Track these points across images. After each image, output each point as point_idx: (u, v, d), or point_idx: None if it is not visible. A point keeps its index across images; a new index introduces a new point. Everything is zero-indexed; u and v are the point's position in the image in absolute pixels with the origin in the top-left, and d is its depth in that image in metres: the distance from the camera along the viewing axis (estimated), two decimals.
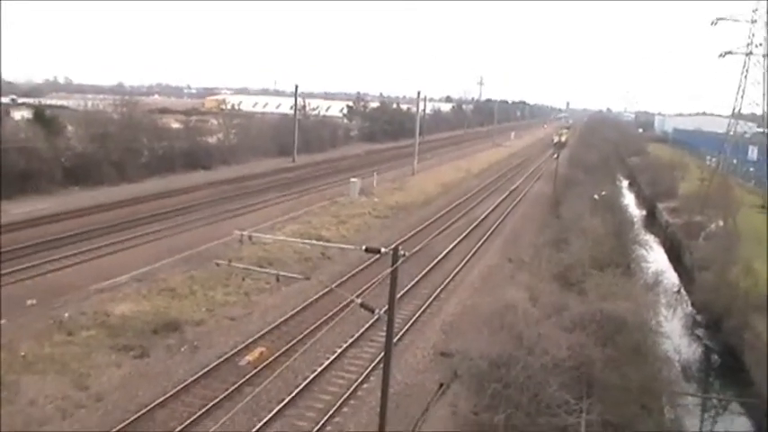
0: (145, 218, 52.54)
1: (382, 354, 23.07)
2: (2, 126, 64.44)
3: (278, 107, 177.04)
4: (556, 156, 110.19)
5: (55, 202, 56.27)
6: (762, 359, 35.07)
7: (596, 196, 63.19)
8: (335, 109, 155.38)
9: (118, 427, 22.74)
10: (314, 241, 44.69)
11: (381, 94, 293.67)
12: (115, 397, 25.32)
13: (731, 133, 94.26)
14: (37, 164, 59.57)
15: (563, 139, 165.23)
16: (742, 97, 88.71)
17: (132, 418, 23.42)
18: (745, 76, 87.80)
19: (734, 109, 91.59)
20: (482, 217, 65.36)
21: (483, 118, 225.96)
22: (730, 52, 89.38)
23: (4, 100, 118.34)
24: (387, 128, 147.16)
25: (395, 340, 25.43)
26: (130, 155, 72.44)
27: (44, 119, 70.06)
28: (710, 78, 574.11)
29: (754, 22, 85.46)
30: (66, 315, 31.63)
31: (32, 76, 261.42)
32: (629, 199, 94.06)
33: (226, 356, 29.25)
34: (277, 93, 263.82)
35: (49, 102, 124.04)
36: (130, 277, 37.91)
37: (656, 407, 27.34)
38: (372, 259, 42.52)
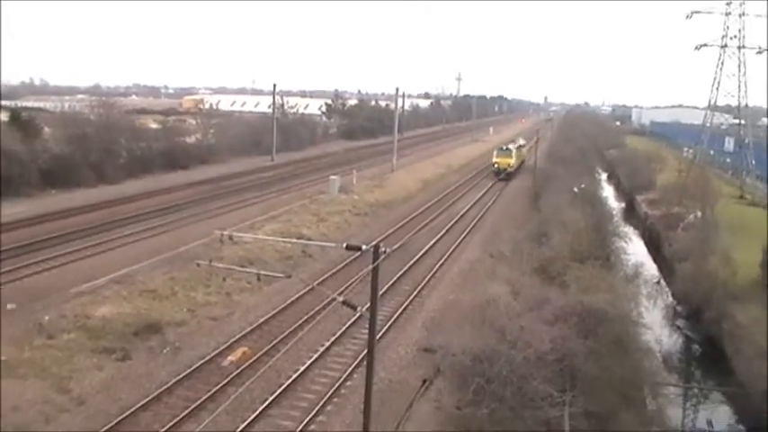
0: (124, 219, 52.20)
1: (365, 351, 23.08)
2: None
3: (256, 106, 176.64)
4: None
5: (32, 205, 55.72)
6: (742, 348, 35.39)
7: (575, 189, 63.51)
8: (314, 107, 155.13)
9: (101, 431, 22.62)
10: (294, 240, 44.59)
11: (360, 91, 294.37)
12: (97, 400, 25.18)
13: (708, 125, 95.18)
14: (13, 167, 58.87)
15: (511, 161, 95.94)
16: (717, 89, 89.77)
17: (115, 422, 23.27)
18: (721, 69, 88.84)
19: (710, 101, 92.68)
20: (462, 212, 65.48)
21: (461, 113, 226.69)
22: (705, 45, 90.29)
23: None
24: (365, 125, 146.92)
25: (377, 337, 25.42)
26: (108, 156, 71.92)
27: (20, 121, 69.63)
28: (686, 71, 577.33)
29: (728, 14, 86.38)
30: (47, 318, 31.38)
31: (8, 78, 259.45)
32: (607, 191, 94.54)
33: (208, 357, 29.15)
34: (255, 92, 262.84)
35: (25, 104, 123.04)
36: (110, 279, 37.62)
37: (639, 397, 27.55)
38: (353, 257, 42.51)
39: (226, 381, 26.90)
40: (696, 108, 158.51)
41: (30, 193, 60.08)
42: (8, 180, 57.67)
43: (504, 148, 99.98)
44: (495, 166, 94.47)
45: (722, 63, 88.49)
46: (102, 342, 29.57)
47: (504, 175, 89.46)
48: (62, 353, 28.34)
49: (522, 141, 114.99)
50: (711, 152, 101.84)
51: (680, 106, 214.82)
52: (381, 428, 23.48)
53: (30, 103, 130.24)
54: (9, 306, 32.73)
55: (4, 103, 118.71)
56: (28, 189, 60.37)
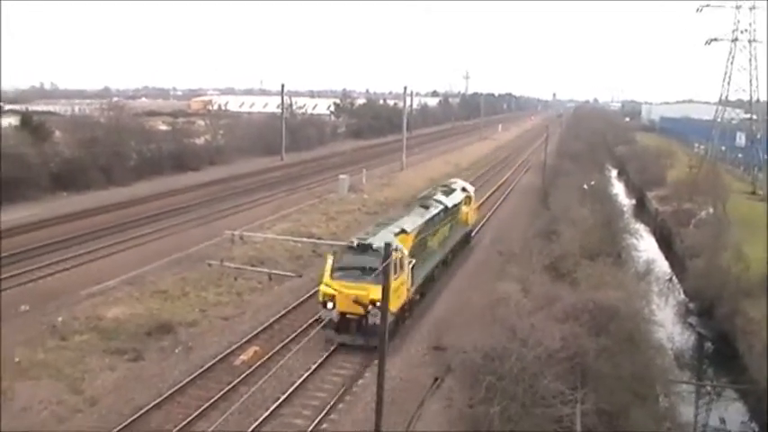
0: (134, 221, 52.38)
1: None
2: None
3: (265, 106, 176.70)
4: None
5: (43, 208, 56.05)
6: (754, 345, 35.26)
7: (585, 186, 63.35)
8: (322, 107, 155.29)
9: (113, 431, 22.71)
10: (304, 239, 44.77)
11: (368, 90, 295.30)
12: (110, 400, 25.25)
13: (718, 120, 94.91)
14: (24, 170, 59.24)
15: (377, 294, 24.89)
16: (728, 84, 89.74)
17: (128, 422, 23.38)
18: (731, 63, 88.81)
19: (721, 96, 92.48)
20: None
21: (469, 111, 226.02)
22: (716, 39, 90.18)
23: None
24: (374, 124, 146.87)
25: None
26: (118, 159, 72.30)
27: (31, 125, 69.93)
28: (697, 66, 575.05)
29: (738, 8, 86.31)
30: (60, 320, 31.55)
31: (18, 82, 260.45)
32: (618, 188, 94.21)
33: (220, 356, 29.22)
34: (263, 92, 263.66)
35: (35, 108, 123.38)
36: (122, 281, 37.78)
37: (651, 395, 27.45)
38: None
39: (238, 380, 26.99)
40: (707, 103, 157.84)
41: (40, 196, 60.44)
42: (19, 184, 57.98)
43: (357, 243, 31.57)
44: (329, 307, 30.24)
45: (733, 57, 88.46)
46: (114, 343, 29.70)
47: (361, 336, 30.26)
48: (75, 354, 28.47)
49: (461, 191, 50.13)
50: (723, 148, 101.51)
51: (690, 101, 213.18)
52: (393, 426, 23.51)
53: (40, 107, 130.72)
54: (22, 308, 32.96)
55: (14, 107, 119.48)
56: (39, 192, 60.71)
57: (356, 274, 30.01)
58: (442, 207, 42.27)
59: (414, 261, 33.13)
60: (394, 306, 29.14)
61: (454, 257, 45.97)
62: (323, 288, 30.49)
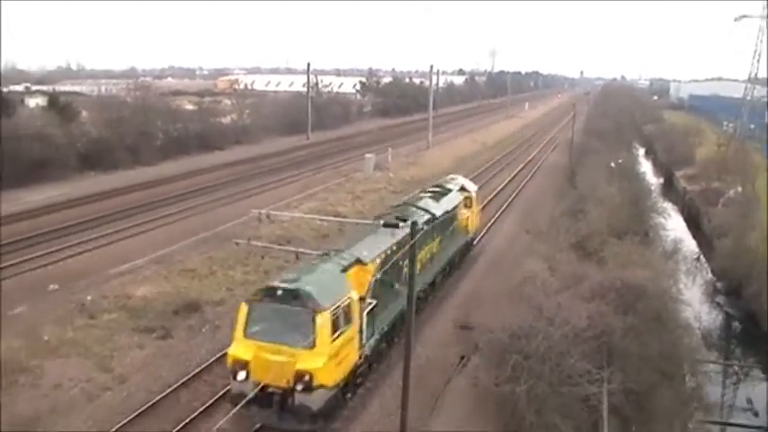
0: (161, 200, 52.64)
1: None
2: (17, 114, 64.67)
3: (291, 85, 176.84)
4: None
5: (71, 187, 56.47)
6: None
7: (613, 165, 62.93)
8: (348, 85, 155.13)
9: (143, 408, 22.95)
10: (331, 217, 44.72)
11: (394, 69, 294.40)
12: (139, 378, 25.50)
13: (748, 98, 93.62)
14: (52, 150, 59.76)
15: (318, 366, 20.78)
16: (758, 61, 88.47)
17: (156, 399, 23.64)
18: (761, 40, 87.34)
19: (750, 73, 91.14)
20: (498, 189, 65.08)
21: (496, 90, 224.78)
22: (746, 16, 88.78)
23: (19, 88, 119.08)
24: (400, 103, 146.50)
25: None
26: (145, 138, 72.69)
27: (58, 106, 70.42)
28: (726, 43, 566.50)
29: None
30: (88, 299, 31.81)
31: (45, 63, 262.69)
32: (645, 167, 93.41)
33: None
34: (289, 71, 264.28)
35: (62, 88, 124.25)
36: (150, 260, 38.03)
37: (678, 374, 27.32)
38: None
39: None
40: (736, 81, 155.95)
41: (68, 176, 60.90)
42: (47, 163, 58.53)
43: (279, 288, 21.82)
44: (242, 377, 21.11)
45: (763, 35, 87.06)
46: (142, 321, 29.93)
47: (287, 418, 21.09)
48: (104, 332, 28.73)
49: (459, 191, 40.40)
50: (752, 126, 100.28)
51: (719, 79, 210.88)
52: (420, 404, 23.56)
53: (66, 88, 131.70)
54: (51, 287, 33.27)
55: (41, 88, 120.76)
56: (67, 172, 61.17)
57: (279, 332, 21.39)
58: (427, 217, 32.44)
59: (374, 303, 24.43)
60: (332, 378, 21.61)
61: (447, 276, 37.28)
62: (232, 351, 21.70)
